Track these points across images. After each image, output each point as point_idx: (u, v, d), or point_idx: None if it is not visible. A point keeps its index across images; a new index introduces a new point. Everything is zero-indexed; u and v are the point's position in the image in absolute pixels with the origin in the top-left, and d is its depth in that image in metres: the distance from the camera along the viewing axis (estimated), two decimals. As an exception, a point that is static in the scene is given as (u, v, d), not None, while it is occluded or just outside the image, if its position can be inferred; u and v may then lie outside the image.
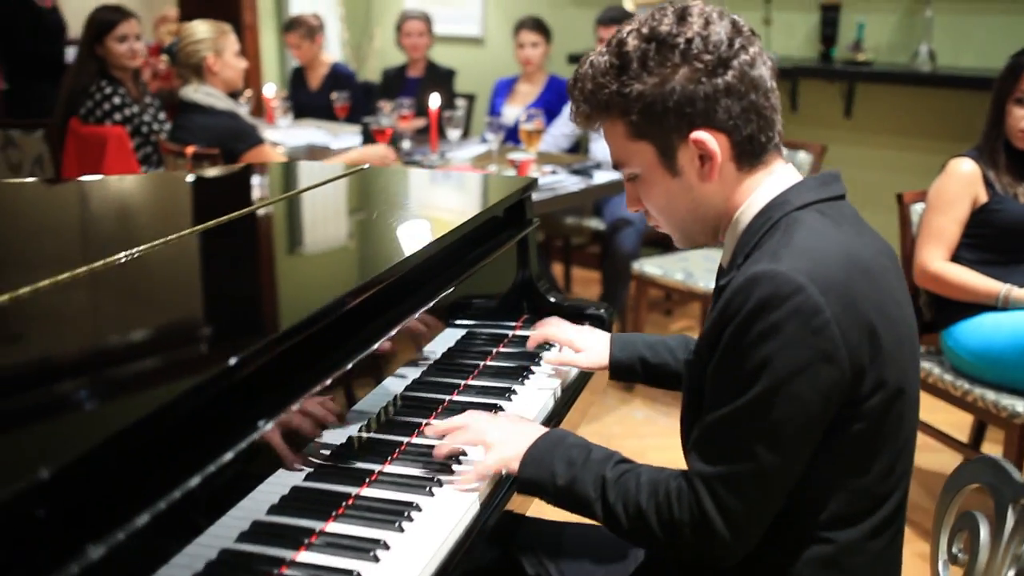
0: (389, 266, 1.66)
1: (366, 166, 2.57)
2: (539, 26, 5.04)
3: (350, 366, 1.54)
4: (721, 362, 1.28)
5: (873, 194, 4.24)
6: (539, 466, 1.44)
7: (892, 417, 1.30)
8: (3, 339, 1.39)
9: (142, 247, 1.72)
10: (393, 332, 1.68)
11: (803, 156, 3.90)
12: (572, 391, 1.97)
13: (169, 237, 1.79)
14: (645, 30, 1.33)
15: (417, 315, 1.78)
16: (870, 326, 1.25)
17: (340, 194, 2.35)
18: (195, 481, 1.16)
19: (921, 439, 1.91)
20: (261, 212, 2.17)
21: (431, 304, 1.82)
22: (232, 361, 1.22)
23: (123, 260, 1.66)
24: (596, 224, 4.69)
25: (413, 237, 1.94)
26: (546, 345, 2.03)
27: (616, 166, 1.43)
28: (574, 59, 5.48)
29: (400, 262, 1.70)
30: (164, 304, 1.57)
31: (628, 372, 1.85)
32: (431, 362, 1.91)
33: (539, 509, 1.79)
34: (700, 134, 1.32)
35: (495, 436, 1.52)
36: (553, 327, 1.94)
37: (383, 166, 3.70)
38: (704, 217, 1.41)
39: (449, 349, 2.00)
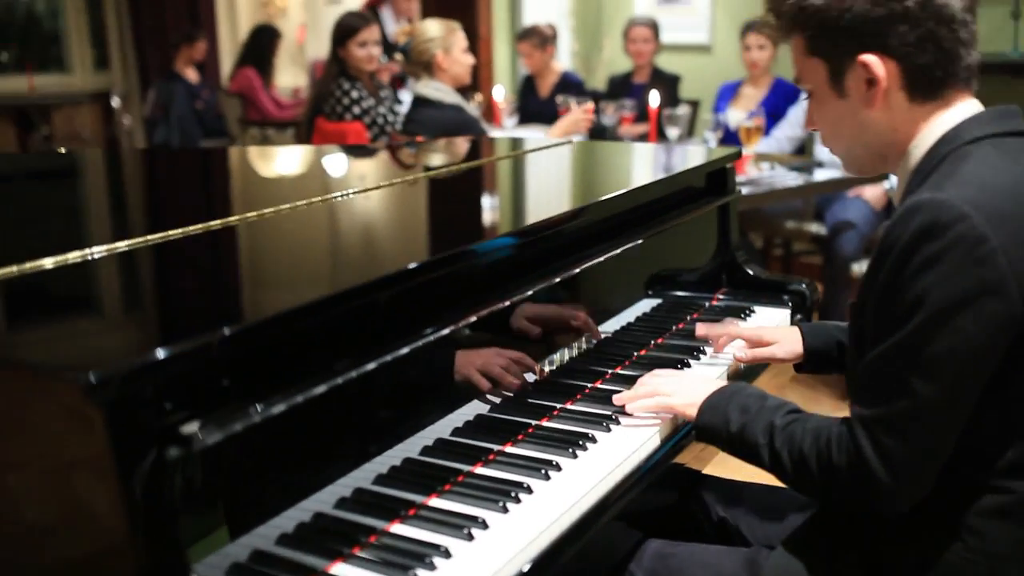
0: (598, 199, 1.82)
1: (574, 138, 2.66)
2: (766, 28, 4.96)
3: (556, 280, 1.66)
4: (881, 297, 1.23)
5: None
6: (715, 413, 1.45)
7: None
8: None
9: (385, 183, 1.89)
10: (585, 265, 1.75)
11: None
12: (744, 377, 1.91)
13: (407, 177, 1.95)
14: None
15: (610, 254, 1.83)
16: None
17: (555, 156, 2.46)
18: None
19: None
20: (486, 165, 2.32)
21: (625, 247, 1.87)
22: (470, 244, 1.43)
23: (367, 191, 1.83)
24: (817, 228, 4.56)
25: (620, 179, 2.01)
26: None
27: (796, 81, 1.43)
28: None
29: (607, 198, 1.83)
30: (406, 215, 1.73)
31: (824, 359, 1.76)
32: (622, 326, 1.95)
33: (717, 468, 1.81)
34: (868, 57, 1.29)
35: (674, 387, 1.55)
36: (732, 325, 1.89)
37: (580, 130, 3.86)
38: (869, 144, 1.37)
39: (644, 314, 2.04)
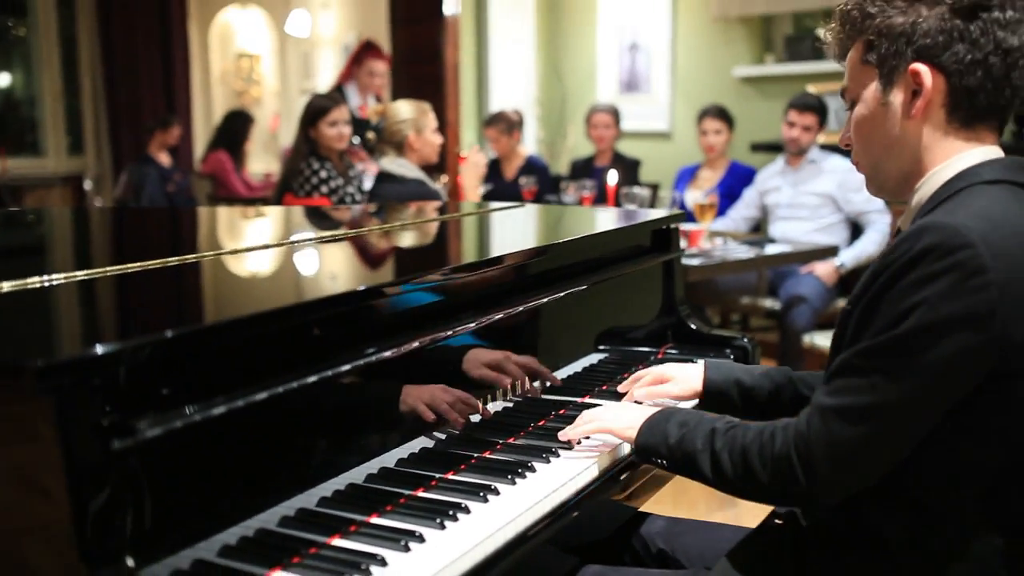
0: (544, 244, 1.98)
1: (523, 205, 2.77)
2: (722, 114, 5.18)
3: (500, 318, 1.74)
4: (870, 302, 1.27)
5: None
6: (654, 431, 1.50)
7: None
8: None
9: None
10: (531, 304, 1.84)
11: None
12: None
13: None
14: None
15: (556, 296, 1.92)
16: None
17: (508, 215, 2.56)
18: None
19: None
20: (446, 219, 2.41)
21: (571, 291, 1.96)
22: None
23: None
24: (772, 303, 4.68)
25: (568, 231, 2.11)
26: None
27: (842, 93, 1.47)
28: (757, 147, 5.57)
29: (553, 244, 1.97)
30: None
31: (721, 396, 1.78)
32: (570, 375, 2.03)
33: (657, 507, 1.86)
34: (919, 66, 1.32)
35: (614, 414, 1.61)
36: (639, 377, 1.90)
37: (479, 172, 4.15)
38: (899, 157, 1.39)
39: (591, 366, 2.12)
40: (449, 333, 1.62)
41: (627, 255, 2.25)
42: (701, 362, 1.84)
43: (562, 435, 1.66)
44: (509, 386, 1.82)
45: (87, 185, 7.96)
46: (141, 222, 2.77)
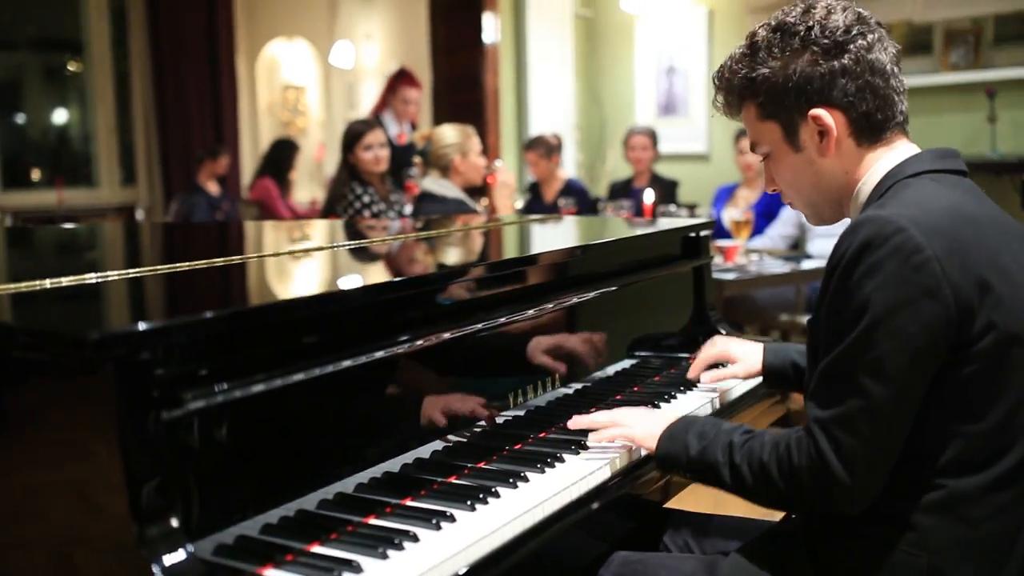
0: (577, 245, 2.09)
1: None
2: (756, 133, 5.23)
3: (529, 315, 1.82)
4: (829, 307, 1.35)
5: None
6: (674, 441, 1.56)
7: (1008, 364, 1.32)
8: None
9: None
10: (563, 304, 1.92)
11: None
12: (734, 406, 2.07)
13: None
14: (773, 22, 1.50)
15: (587, 296, 2.00)
16: (978, 270, 1.30)
17: (547, 225, 2.63)
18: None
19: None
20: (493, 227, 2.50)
21: (601, 290, 2.04)
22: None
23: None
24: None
25: (600, 235, 2.23)
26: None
27: (752, 148, 1.58)
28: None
29: (585, 245, 2.09)
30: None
31: (781, 376, 1.94)
32: (600, 377, 2.09)
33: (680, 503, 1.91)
34: (818, 111, 1.44)
35: (634, 421, 1.66)
36: (708, 348, 2.06)
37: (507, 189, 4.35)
38: (827, 189, 1.51)
39: (622, 370, 2.17)
40: (482, 327, 1.69)
41: (658, 261, 2.31)
42: (761, 345, 1.98)
43: (574, 424, 1.70)
44: (544, 382, 1.88)
45: (139, 214, 8.19)
46: (189, 234, 2.89)
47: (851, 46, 1.43)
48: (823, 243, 4.78)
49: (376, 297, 1.51)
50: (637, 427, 1.64)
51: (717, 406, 2.01)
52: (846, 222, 1.45)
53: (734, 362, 2.01)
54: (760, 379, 2.01)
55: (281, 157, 7.33)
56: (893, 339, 1.27)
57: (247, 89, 9.55)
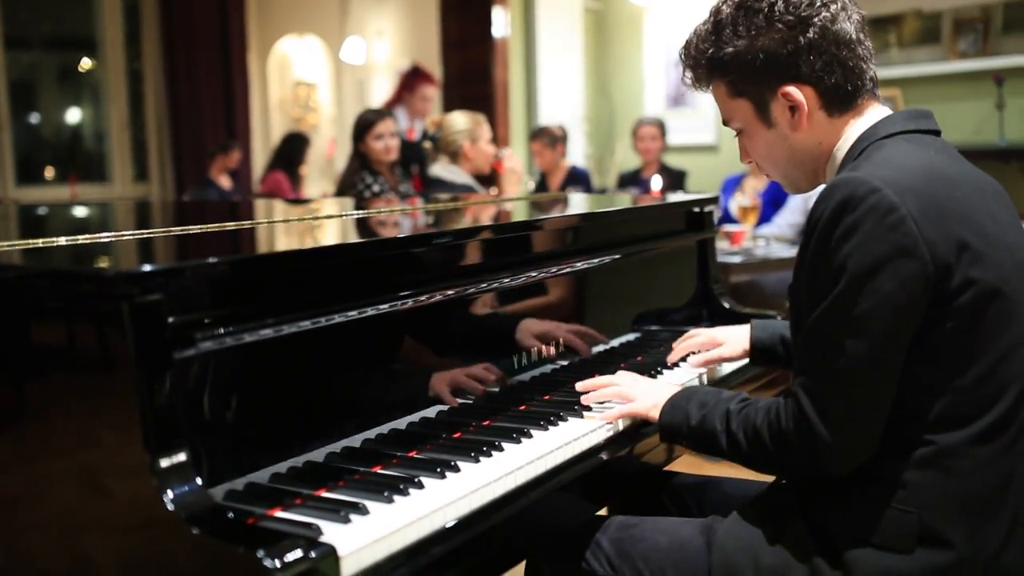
0: (583, 212, 2.11)
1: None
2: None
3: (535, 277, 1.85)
4: (809, 271, 1.36)
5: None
6: (676, 411, 1.58)
7: (989, 318, 1.33)
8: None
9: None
10: (567, 269, 1.95)
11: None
12: (723, 383, 2.04)
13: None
14: None
15: (593, 262, 2.02)
16: (954, 227, 1.30)
17: (559, 199, 2.67)
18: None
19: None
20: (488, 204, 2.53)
21: (605, 257, 2.07)
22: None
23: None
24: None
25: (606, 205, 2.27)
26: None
27: (725, 122, 1.60)
28: (803, 155, 5.62)
29: (591, 212, 2.11)
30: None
31: (770, 353, 1.92)
32: (605, 350, 2.12)
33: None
34: (788, 88, 1.45)
35: (639, 391, 1.69)
36: (694, 339, 2.03)
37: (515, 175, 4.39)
38: (803, 162, 1.52)
39: (627, 341, 2.20)
40: (486, 288, 1.73)
41: (663, 235, 2.34)
42: (746, 325, 1.96)
43: (581, 387, 1.74)
44: (549, 348, 1.91)
45: (152, 209, 8.24)
46: (200, 207, 2.94)
47: (815, 19, 1.44)
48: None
49: (382, 251, 1.54)
50: (640, 398, 1.67)
51: (706, 382, 2.00)
52: None
53: (720, 345, 1.98)
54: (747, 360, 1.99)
55: (292, 150, 7.37)
56: (872, 298, 1.29)
57: (259, 86, 9.62)
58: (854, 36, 1.46)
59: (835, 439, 1.33)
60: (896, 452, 1.38)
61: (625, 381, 1.73)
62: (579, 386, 1.75)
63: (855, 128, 1.48)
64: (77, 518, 1.20)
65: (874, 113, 1.49)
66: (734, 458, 1.50)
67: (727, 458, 1.51)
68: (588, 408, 1.72)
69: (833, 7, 1.45)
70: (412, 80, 6.59)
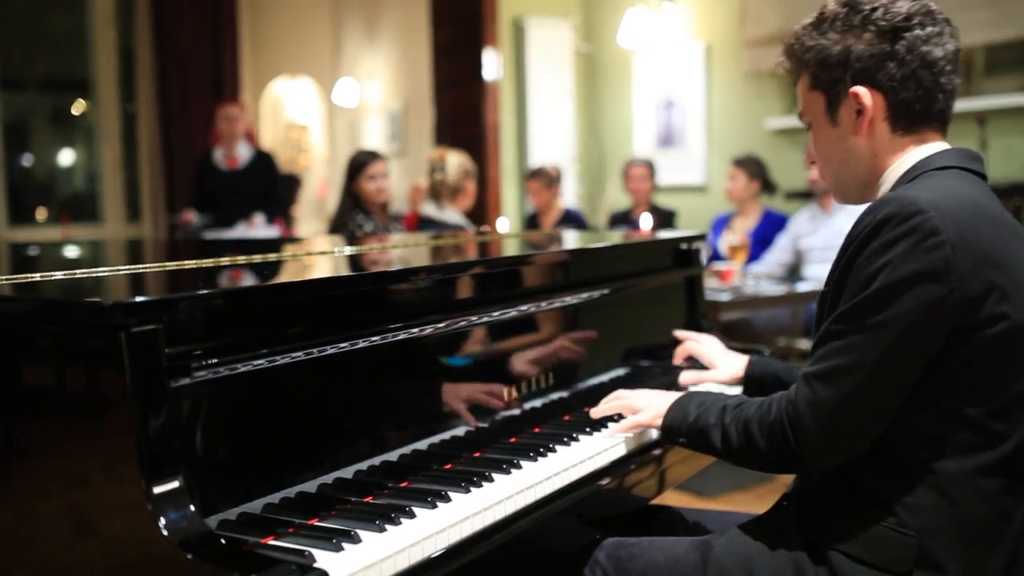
0: (572, 248, 2.16)
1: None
2: (738, 162, 5.37)
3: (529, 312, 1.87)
4: (841, 276, 1.40)
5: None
6: (678, 411, 1.64)
7: (1014, 355, 1.36)
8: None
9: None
10: (556, 304, 1.98)
11: None
12: None
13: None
14: None
15: (582, 297, 2.05)
16: (991, 260, 1.34)
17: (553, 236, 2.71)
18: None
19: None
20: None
21: (594, 292, 2.10)
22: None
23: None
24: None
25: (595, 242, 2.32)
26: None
27: (800, 116, 1.62)
28: (791, 195, 5.68)
29: (579, 249, 2.16)
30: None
31: (758, 387, 1.97)
32: (593, 384, 2.15)
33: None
34: (859, 88, 1.49)
35: (643, 402, 1.75)
36: (697, 344, 2.14)
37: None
38: (854, 168, 1.55)
39: (617, 377, 2.23)
40: (478, 320, 1.75)
41: (651, 271, 2.37)
42: (745, 357, 2.03)
43: (594, 413, 1.81)
44: (538, 381, 1.93)
45: (144, 249, 8.27)
46: (193, 244, 2.97)
47: (907, 34, 1.46)
48: (818, 269, 4.84)
49: (374, 285, 1.57)
50: (645, 410, 1.72)
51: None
52: (844, 232, 1.49)
53: (714, 367, 2.07)
54: (740, 389, 2.03)
55: (284, 192, 7.42)
56: (892, 310, 1.33)
57: (252, 128, 9.69)
58: (941, 64, 1.48)
59: (817, 430, 1.38)
60: (901, 474, 1.40)
61: (631, 393, 1.79)
62: (594, 413, 1.82)
63: (912, 155, 1.50)
64: (72, 524, 1.22)
65: (933, 145, 1.51)
66: (725, 453, 1.54)
67: (718, 455, 1.57)
68: (577, 439, 1.74)
69: (931, 28, 1.47)
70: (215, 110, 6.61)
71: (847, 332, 1.37)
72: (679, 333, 2.23)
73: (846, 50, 1.49)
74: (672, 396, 1.71)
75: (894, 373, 1.36)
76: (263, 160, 6.34)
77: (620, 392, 1.82)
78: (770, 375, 1.96)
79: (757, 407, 1.49)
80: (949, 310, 1.33)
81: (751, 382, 1.99)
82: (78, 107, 9.00)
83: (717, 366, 2.06)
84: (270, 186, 6.23)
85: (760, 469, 1.58)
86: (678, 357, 2.16)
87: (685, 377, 2.07)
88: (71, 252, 2.83)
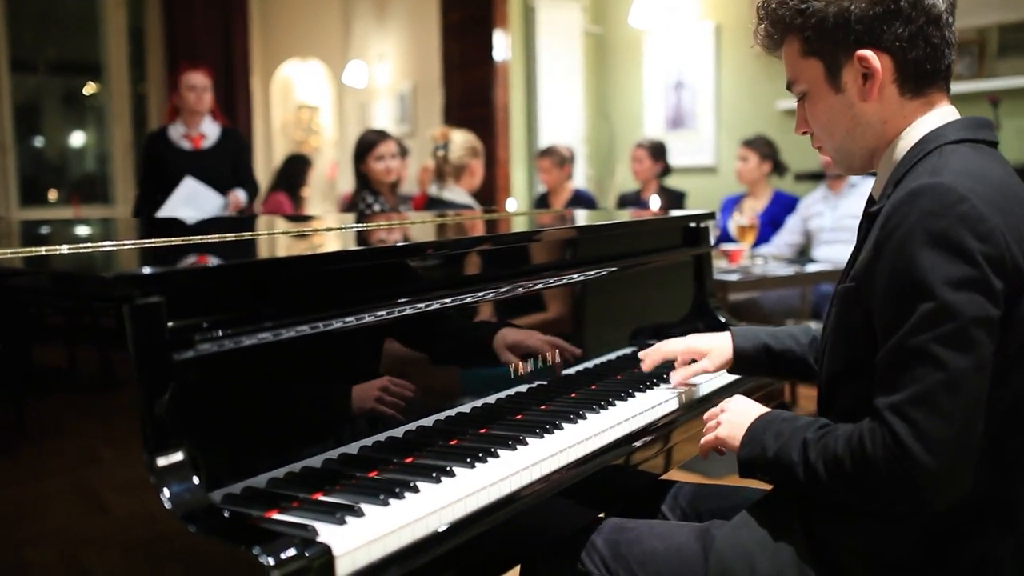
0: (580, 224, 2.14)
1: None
2: (748, 143, 5.33)
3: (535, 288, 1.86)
4: (890, 281, 1.28)
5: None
6: (753, 445, 1.48)
7: None
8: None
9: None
10: (563, 281, 1.97)
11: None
12: (706, 402, 2.00)
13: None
14: None
15: (589, 274, 2.04)
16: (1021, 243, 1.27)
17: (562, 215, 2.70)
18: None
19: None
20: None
21: (602, 270, 2.09)
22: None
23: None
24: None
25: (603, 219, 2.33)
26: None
27: (789, 86, 1.53)
28: (800, 176, 5.65)
29: (588, 225, 2.14)
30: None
31: (753, 362, 1.88)
32: (600, 361, 2.14)
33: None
34: (865, 52, 1.39)
35: (725, 429, 1.57)
36: (664, 345, 1.96)
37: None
38: (863, 137, 1.46)
39: (623, 355, 2.22)
40: (484, 296, 1.75)
41: (659, 249, 2.36)
42: (726, 333, 1.91)
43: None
44: (545, 358, 1.92)
45: (154, 231, 8.28)
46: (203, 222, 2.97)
47: None
48: (828, 250, 4.83)
49: (380, 259, 1.57)
50: (728, 430, 1.57)
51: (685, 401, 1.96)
52: (853, 228, 1.40)
53: (702, 357, 1.90)
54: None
55: (294, 172, 7.42)
56: (968, 309, 1.23)
57: (262, 109, 9.70)
58: (944, 16, 1.40)
59: (936, 463, 1.23)
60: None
61: (721, 416, 1.61)
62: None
63: (922, 123, 1.43)
64: (77, 504, 1.22)
65: (943, 112, 1.44)
66: (813, 491, 1.38)
67: (805, 491, 1.41)
68: (584, 416, 1.73)
69: None
70: (176, 77, 5.46)
71: (928, 346, 1.24)
72: (644, 356, 1.97)
73: (843, 11, 1.39)
74: (744, 417, 1.54)
75: (984, 367, 1.25)
76: (232, 137, 5.46)
77: (710, 415, 1.64)
78: (760, 347, 1.85)
79: (846, 441, 1.32)
80: (1005, 295, 1.26)
81: (744, 360, 1.88)
82: (89, 89, 9.00)
83: (704, 353, 1.90)
84: (242, 162, 5.44)
85: (858, 508, 1.40)
86: (648, 366, 1.95)
87: (676, 376, 1.94)
88: (79, 230, 2.83)
